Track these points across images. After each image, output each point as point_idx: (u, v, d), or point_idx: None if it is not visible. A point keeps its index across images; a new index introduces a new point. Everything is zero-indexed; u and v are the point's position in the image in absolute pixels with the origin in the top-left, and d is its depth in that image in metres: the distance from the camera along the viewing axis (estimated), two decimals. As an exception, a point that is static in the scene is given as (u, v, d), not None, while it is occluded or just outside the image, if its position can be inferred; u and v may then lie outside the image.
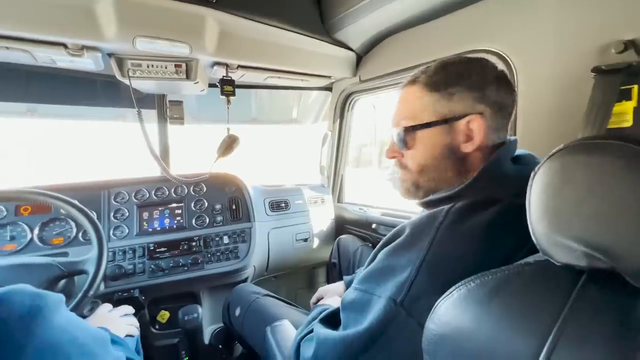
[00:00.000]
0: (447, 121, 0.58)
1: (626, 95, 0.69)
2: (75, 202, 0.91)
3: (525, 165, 0.60)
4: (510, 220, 0.51)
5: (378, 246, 0.62)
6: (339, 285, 1.06)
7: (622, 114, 0.69)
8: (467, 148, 0.58)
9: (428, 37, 1.11)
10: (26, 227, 1.10)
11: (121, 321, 0.86)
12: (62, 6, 0.84)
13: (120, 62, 1.06)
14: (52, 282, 0.86)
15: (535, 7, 0.81)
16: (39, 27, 0.84)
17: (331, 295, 1.02)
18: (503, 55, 0.89)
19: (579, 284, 0.35)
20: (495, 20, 0.91)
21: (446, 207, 0.55)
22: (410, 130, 0.61)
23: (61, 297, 0.36)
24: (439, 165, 0.61)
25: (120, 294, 1.13)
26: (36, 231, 1.11)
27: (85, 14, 0.87)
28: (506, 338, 0.36)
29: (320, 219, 1.66)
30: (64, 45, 0.94)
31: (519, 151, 0.64)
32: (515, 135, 0.87)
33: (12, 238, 1.08)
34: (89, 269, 0.88)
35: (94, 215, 0.92)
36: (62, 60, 1.02)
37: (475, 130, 0.57)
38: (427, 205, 0.63)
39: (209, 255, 1.29)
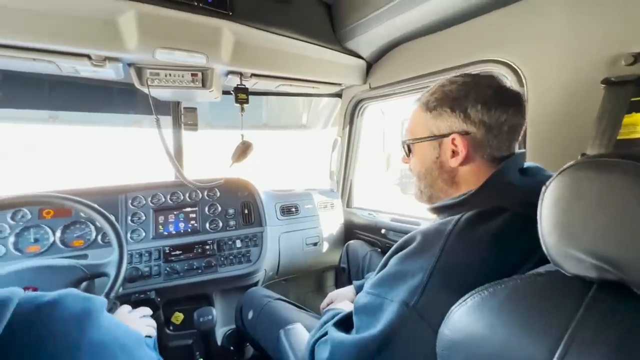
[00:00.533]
0: (435, 137, 0.66)
1: (636, 107, 0.70)
2: (99, 207, 0.95)
3: (531, 177, 0.62)
4: (517, 229, 0.54)
5: (389, 252, 0.64)
6: (348, 290, 1.08)
7: (633, 125, 0.70)
8: (453, 163, 0.64)
9: (437, 47, 1.13)
10: (49, 230, 1.15)
11: (141, 322, 0.89)
12: (87, 20, 0.88)
13: (139, 71, 1.11)
14: (75, 284, 0.89)
15: (545, 18, 0.83)
16: (65, 40, 0.89)
17: (341, 300, 1.04)
18: (512, 65, 0.91)
19: (590, 294, 0.37)
20: (505, 31, 0.92)
21: (456, 216, 0.58)
22: (408, 143, 0.72)
23: (104, 300, 0.39)
24: (430, 175, 0.69)
25: (137, 295, 1.16)
26: (58, 234, 1.15)
27: (108, 27, 0.91)
28: (519, 344, 0.38)
29: (330, 224, 1.68)
30: (88, 57, 0.98)
31: (527, 163, 0.67)
32: (525, 144, 0.88)
33: (36, 240, 1.13)
34: (110, 272, 0.92)
35: (114, 220, 0.96)
36: (85, 70, 1.07)
37: (459, 146, 0.62)
38: (436, 211, 0.69)
39: (222, 259, 1.32)
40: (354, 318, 0.62)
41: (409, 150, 0.73)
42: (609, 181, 0.36)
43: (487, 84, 0.63)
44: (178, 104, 1.46)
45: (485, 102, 0.61)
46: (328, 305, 1.08)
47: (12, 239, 1.09)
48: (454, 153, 0.64)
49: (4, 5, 0.79)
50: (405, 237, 0.63)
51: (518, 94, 0.63)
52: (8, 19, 0.81)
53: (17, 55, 0.90)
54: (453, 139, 0.63)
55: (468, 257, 0.53)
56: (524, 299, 0.41)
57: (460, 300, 0.45)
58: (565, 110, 0.79)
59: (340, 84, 1.52)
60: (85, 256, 1.15)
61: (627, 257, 0.34)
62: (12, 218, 1.12)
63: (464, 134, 0.62)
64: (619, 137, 0.71)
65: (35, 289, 0.81)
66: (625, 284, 0.35)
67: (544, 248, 0.41)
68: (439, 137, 0.65)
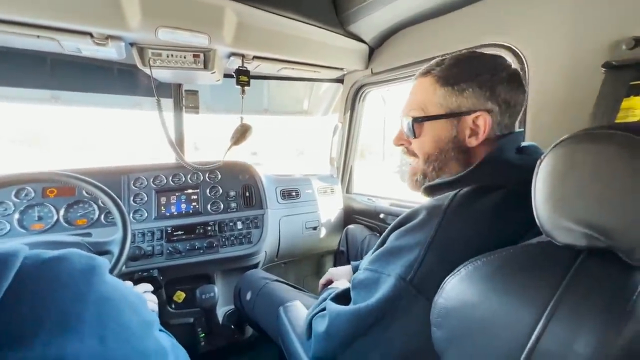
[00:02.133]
0: (454, 115, 0.62)
1: (636, 91, 0.71)
2: (105, 187, 0.96)
3: (528, 156, 0.62)
4: (513, 205, 0.54)
5: (389, 229, 0.65)
6: (347, 269, 1.10)
7: (631, 109, 0.71)
8: (472, 142, 0.62)
9: (440, 31, 1.13)
10: (52, 209, 1.16)
11: None
12: None
13: (141, 51, 1.10)
14: (80, 260, 0.91)
15: (547, 2, 0.82)
16: (68, 17, 0.88)
17: (339, 278, 1.06)
18: (515, 49, 0.91)
19: (578, 261, 0.39)
20: (508, 15, 0.92)
21: (452, 192, 0.58)
22: (419, 120, 0.65)
23: (107, 261, 0.41)
24: (443, 156, 0.64)
25: (140, 273, 1.19)
26: (62, 212, 1.17)
27: (111, 5, 0.90)
28: (508, 309, 0.40)
29: (329, 209, 1.70)
30: (90, 35, 0.98)
31: (524, 143, 0.67)
32: (524, 126, 0.89)
33: (40, 218, 1.15)
34: (114, 250, 0.94)
35: (119, 200, 0.97)
36: (87, 49, 1.06)
37: (480, 126, 0.60)
38: (430, 190, 0.66)
39: (224, 240, 1.34)
40: (352, 293, 0.63)
41: (414, 129, 0.66)
42: (603, 152, 0.37)
43: (506, 64, 0.62)
44: (179, 86, 1.46)
45: (510, 80, 0.60)
46: (327, 281, 1.10)
47: (16, 216, 1.11)
48: (472, 131, 0.61)
49: None
50: (404, 214, 0.64)
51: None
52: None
53: (21, 32, 0.89)
54: (476, 117, 0.60)
55: (464, 231, 0.54)
56: (514, 267, 0.43)
57: (454, 271, 0.47)
58: (565, 93, 0.79)
59: (342, 69, 1.51)
60: (88, 234, 1.17)
61: (618, 225, 0.35)
62: (16, 196, 1.13)
63: (488, 112, 0.60)
64: (616, 121, 0.72)
65: None
66: (613, 252, 0.37)
67: (536, 219, 0.42)
68: (461, 115, 0.61)
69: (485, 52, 0.66)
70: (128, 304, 0.38)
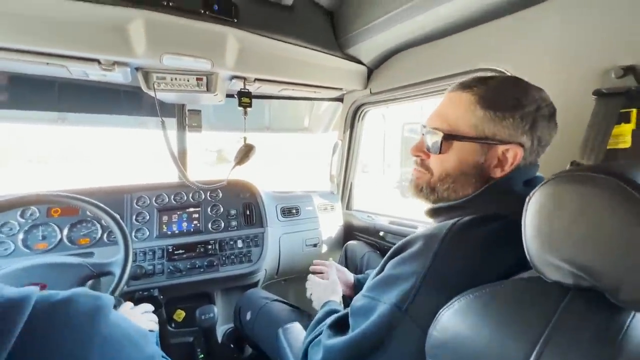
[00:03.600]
0: (487, 142, 0.58)
1: (625, 118, 0.72)
2: (108, 208, 0.98)
3: (532, 187, 0.62)
4: (512, 236, 0.51)
5: (387, 256, 0.65)
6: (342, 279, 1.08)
7: (621, 136, 0.72)
8: (496, 173, 0.60)
9: (436, 54, 1.16)
10: (56, 228, 1.18)
11: (143, 317, 0.92)
12: (98, 27, 0.92)
13: (146, 75, 1.14)
14: (82, 281, 0.93)
15: (539, 30, 0.85)
16: (76, 45, 0.92)
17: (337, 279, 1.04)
18: (507, 74, 0.93)
19: (566, 299, 0.40)
20: (500, 41, 0.95)
21: (451, 221, 0.58)
22: (450, 138, 0.61)
23: (112, 298, 0.42)
24: (462, 180, 0.62)
25: (140, 292, 1.20)
26: (65, 232, 1.19)
27: (118, 34, 0.94)
28: (500, 344, 0.41)
29: (330, 226, 1.71)
30: (98, 61, 1.02)
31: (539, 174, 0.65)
32: None
33: (44, 237, 1.16)
34: (115, 271, 0.95)
35: (122, 222, 0.99)
36: (94, 74, 1.10)
37: (509, 158, 0.58)
38: (433, 213, 0.66)
39: (224, 258, 1.35)
40: (350, 320, 0.63)
41: (441, 145, 0.61)
42: (586, 194, 0.38)
43: (549, 100, 0.61)
44: (183, 106, 1.50)
45: (550, 118, 0.60)
46: (319, 271, 1.09)
47: (21, 236, 1.13)
48: (499, 162, 0.59)
49: (22, 13, 0.83)
50: (402, 241, 0.64)
51: None
52: (26, 26, 0.85)
53: (32, 60, 0.93)
54: (507, 150, 0.58)
55: (460, 263, 0.54)
56: (506, 301, 0.44)
57: (447, 304, 0.48)
58: (557, 119, 0.81)
59: (341, 89, 1.55)
60: (91, 254, 1.19)
61: (601, 266, 0.36)
62: (22, 216, 1.15)
63: (521, 145, 0.58)
64: (608, 147, 0.73)
65: (44, 286, 0.85)
66: (597, 291, 0.38)
67: (527, 255, 0.44)
68: (494, 143, 0.58)
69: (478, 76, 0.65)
70: (130, 341, 0.39)
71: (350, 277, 1.10)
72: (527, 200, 0.44)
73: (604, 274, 0.36)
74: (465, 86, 0.62)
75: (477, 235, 0.55)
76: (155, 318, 0.95)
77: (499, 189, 0.59)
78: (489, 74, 0.97)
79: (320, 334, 0.69)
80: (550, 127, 0.61)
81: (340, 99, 1.74)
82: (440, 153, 0.62)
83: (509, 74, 0.93)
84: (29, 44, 0.88)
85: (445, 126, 0.62)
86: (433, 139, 0.63)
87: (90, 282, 0.96)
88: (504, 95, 0.59)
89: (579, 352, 0.36)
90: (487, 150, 0.59)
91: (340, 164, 1.77)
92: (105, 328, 0.36)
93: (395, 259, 0.61)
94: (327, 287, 1.00)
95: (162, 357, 0.52)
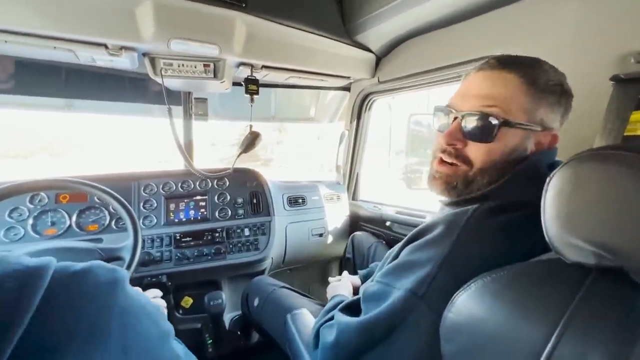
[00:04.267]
0: (541, 128, 0.56)
1: (644, 104, 0.71)
2: (118, 196, 0.98)
3: None
4: (533, 224, 0.49)
5: (402, 242, 0.64)
6: (347, 284, 1.03)
7: (639, 122, 0.71)
8: (535, 157, 0.58)
9: (447, 41, 1.14)
10: (65, 214, 1.19)
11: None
12: (105, 10, 0.90)
13: (153, 61, 1.13)
14: (92, 266, 0.93)
15: (555, 15, 0.83)
16: (84, 29, 0.91)
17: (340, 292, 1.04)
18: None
19: (588, 280, 0.39)
20: (514, 27, 0.92)
21: (472, 207, 0.56)
22: (506, 124, 0.54)
23: (127, 272, 0.42)
24: (505, 168, 0.57)
25: (149, 279, 1.21)
26: (74, 218, 1.19)
27: (126, 17, 0.93)
28: (518, 325, 0.40)
29: (336, 215, 1.71)
30: (105, 46, 1.01)
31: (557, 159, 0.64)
32: None
33: (53, 223, 1.17)
34: (125, 256, 0.96)
35: (131, 208, 0.99)
36: (101, 59, 1.09)
37: (545, 145, 0.58)
38: (456, 204, 0.62)
39: (231, 246, 1.36)
40: (362, 305, 0.63)
41: (492, 130, 0.55)
42: (609, 172, 0.37)
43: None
44: (189, 94, 1.49)
45: (571, 104, 0.60)
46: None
47: (30, 221, 1.14)
48: (537, 148, 0.58)
49: None
50: (419, 227, 0.62)
51: None
52: (34, 9, 0.84)
53: (39, 44, 0.93)
54: (547, 135, 0.57)
55: (479, 251, 0.53)
56: (524, 283, 0.43)
57: (464, 286, 0.48)
58: (573, 106, 0.80)
59: (349, 77, 1.53)
60: (100, 240, 1.19)
61: (625, 245, 0.36)
62: (31, 202, 1.16)
63: (555, 131, 0.59)
64: (625, 134, 0.72)
65: None
66: (622, 271, 0.37)
67: (546, 236, 0.43)
68: (542, 129, 0.57)
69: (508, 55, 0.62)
70: (147, 314, 0.39)
71: (358, 282, 1.09)
72: (547, 181, 0.43)
73: (628, 253, 0.35)
74: (507, 65, 0.56)
75: (498, 223, 0.54)
76: (164, 303, 0.96)
77: (525, 175, 0.57)
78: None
79: (332, 318, 0.70)
80: (570, 108, 0.61)
81: (347, 88, 1.72)
82: (490, 140, 0.56)
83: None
84: (37, 28, 0.88)
85: (494, 110, 0.55)
86: (481, 124, 0.55)
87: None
88: (550, 79, 0.56)
89: (602, 334, 0.35)
90: (531, 137, 0.57)
91: (347, 154, 1.76)
92: (123, 299, 0.36)
93: (412, 244, 0.60)
94: (338, 284, 1.01)
95: (174, 337, 0.53)
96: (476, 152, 0.58)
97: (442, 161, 0.62)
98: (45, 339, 0.29)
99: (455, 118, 0.60)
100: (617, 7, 0.72)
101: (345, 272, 1.10)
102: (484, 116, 0.55)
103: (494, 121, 0.54)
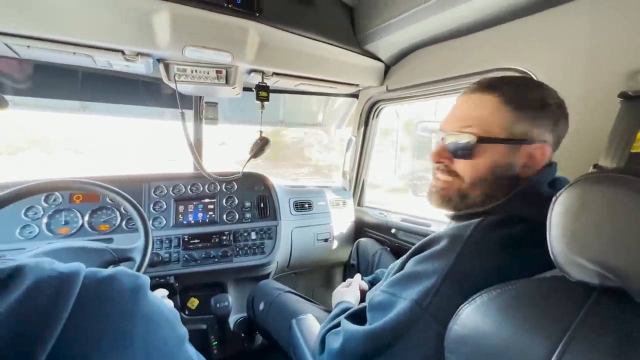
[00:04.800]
0: (518, 142, 0.59)
1: (651, 122, 0.71)
2: (131, 198, 1.01)
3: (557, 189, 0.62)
4: (536, 238, 0.51)
5: (408, 253, 0.66)
6: (352, 290, 1.07)
7: (646, 140, 0.72)
8: (526, 173, 0.60)
9: (456, 52, 1.15)
10: (78, 214, 1.22)
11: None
12: (123, 18, 0.93)
13: (167, 67, 1.16)
14: (104, 266, 0.96)
15: (565, 30, 0.84)
16: (103, 36, 0.94)
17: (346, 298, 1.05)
18: (530, 74, 0.92)
19: (591, 299, 0.40)
20: (523, 40, 0.93)
21: (476, 220, 0.58)
22: (482, 140, 0.60)
23: (148, 278, 0.44)
24: (494, 183, 0.61)
25: (157, 279, 1.23)
26: (86, 218, 1.22)
27: (143, 25, 0.96)
28: (521, 341, 0.41)
29: (341, 221, 1.72)
30: (122, 52, 1.04)
31: (557, 175, 0.66)
32: None
33: (66, 223, 1.20)
34: (136, 257, 0.98)
35: (143, 211, 1.02)
36: (118, 64, 1.12)
37: (537, 157, 0.59)
38: (459, 218, 0.65)
39: (238, 249, 1.38)
40: (368, 315, 0.64)
41: (472, 149, 0.60)
42: (616, 195, 0.38)
43: (561, 98, 0.62)
44: (200, 98, 1.52)
45: (567, 116, 0.62)
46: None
47: (45, 220, 1.17)
48: (527, 162, 0.60)
49: (53, 5, 0.85)
50: (425, 239, 0.64)
51: None
52: (55, 17, 0.87)
53: (60, 49, 0.96)
54: (535, 149, 0.59)
55: (483, 263, 0.54)
56: (528, 300, 0.44)
57: (469, 299, 0.49)
58: (580, 121, 0.80)
59: (357, 85, 1.55)
60: (110, 240, 1.22)
61: (628, 267, 0.37)
62: (46, 201, 1.19)
63: (546, 143, 0.60)
64: (632, 151, 0.72)
65: None
66: (623, 291, 0.38)
67: (551, 254, 0.44)
68: (524, 143, 0.59)
69: (499, 75, 0.66)
70: (166, 320, 0.41)
71: (367, 287, 1.10)
72: (553, 200, 0.44)
73: (631, 274, 0.36)
74: (485, 87, 0.62)
75: (502, 236, 0.56)
76: (171, 303, 0.98)
77: (528, 192, 0.59)
78: (508, 73, 0.97)
79: (337, 325, 0.71)
80: (566, 125, 0.63)
81: (355, 95, 1.74)
82: (472, 158, 0.61)
83: (530, 74, 0.92)
84: (59, 34, 0.91)
85: (471, 130, 0.61)
86: (461, 143, 0.61)
87: (111, 267, 0.99)
88: (528, 95, 0.60)
89: (603, 353, 0.36)
90: (517, 151, 0.60)
91: (353, 160, 1.78)
92: (145, 306, 0.38)
93: (418, 256, 0.61)
94: (346, 290, 1.01)
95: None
96: (463, 168, 0.63)
97: (438, 177, 0.68)
98: (75, 346, 0.30)
99: (443, 138, 0.66)
100: (626, 24, 0.73)
101: (357, 276, 1.09)
102: (464, 135, 0.61)
103: (471, 139, 0.60)
